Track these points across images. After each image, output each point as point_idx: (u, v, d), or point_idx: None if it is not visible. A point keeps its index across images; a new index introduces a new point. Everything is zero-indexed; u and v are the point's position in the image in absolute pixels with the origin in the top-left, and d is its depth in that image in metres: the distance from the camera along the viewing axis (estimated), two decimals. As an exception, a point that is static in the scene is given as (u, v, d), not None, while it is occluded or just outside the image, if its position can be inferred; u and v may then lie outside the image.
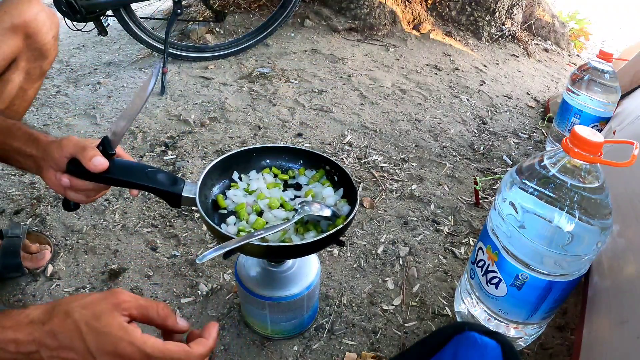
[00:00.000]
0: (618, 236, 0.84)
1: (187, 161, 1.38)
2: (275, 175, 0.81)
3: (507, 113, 1.92)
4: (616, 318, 0.74)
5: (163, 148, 1.44)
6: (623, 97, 1.50)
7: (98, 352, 0.43)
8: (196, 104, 1.70)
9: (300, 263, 0.81)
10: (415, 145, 1.58)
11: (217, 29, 2.27)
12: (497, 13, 2.62)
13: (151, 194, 1.24)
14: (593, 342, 0.76)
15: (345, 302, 0.99)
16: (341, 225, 0.66)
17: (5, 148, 0.65)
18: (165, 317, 0.49)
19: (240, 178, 0.79)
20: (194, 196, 0.67)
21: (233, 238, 0.62)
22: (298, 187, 0.80)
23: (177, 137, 1.49)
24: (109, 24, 1.83)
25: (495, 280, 0.78)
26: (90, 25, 1.75)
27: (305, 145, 1.51)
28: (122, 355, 0.43)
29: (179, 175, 1.32)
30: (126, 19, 1.78)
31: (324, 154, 0.81)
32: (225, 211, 0.74)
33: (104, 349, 0.43)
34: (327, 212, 0.71)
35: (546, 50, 2.77)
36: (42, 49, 0.86)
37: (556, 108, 1.96)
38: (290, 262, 0.80)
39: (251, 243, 0.62)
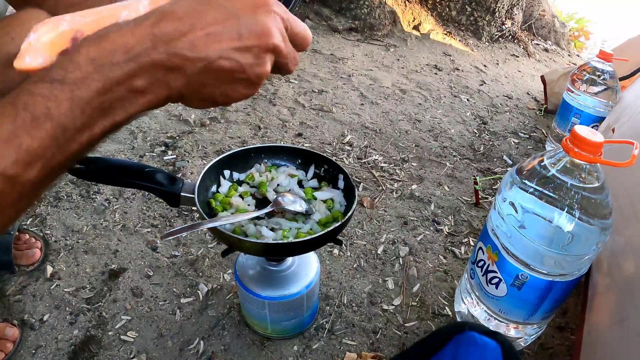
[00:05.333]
0: (618, 236, 0.84)
1: (187, 161, 1.38)
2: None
3: (507, 113, 1.92)
4: (615, 316, 0.74)
5: (163, 148, 1.43)
6: (622, 79, 1.52)
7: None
8: (196, 104, 1.70)
9: (300, 262, 0.81)
10: (415, 145, 1.58)
11: (217, 29, 2.27)
12: (497, 13, 2.62)
13: (151, 194, 1.24)
14: (593, 342, 0.76)
15: (345, 302, 0.99)
16: (339, 223, 0.65)
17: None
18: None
19: (231, 176, 0.79)
20: (192, 195, 0.67)
21: (228, 233, 0.62)
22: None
23: (177, 137, 1.49)
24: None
25: (495, 280, 0.78)
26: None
27: (305, 145, 1.51)
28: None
29: (179, 175, 1.32)
30: (126, 19, 1.78)
31: (323, 153, 0.81)
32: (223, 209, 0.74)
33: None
34: (299, 208, 0.71)
35: (546, 50, 2.77)
36: None
37: (552, 76, 1.96)
38: (289, 261, 0.80)
39: (250, 241, 0.62)
